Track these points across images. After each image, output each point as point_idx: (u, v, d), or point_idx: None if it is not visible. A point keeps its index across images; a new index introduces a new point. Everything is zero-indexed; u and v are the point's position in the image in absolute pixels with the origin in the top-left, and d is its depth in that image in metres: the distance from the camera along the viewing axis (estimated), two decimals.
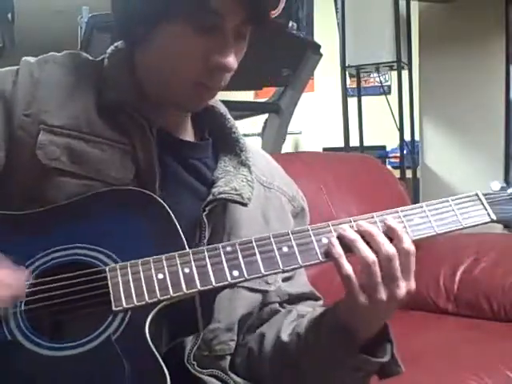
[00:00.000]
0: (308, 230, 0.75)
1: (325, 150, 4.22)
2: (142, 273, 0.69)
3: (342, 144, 3.19)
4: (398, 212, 0.78)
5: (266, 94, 2.94)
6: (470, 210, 0.81)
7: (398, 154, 3.15)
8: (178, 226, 0.73)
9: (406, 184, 2.61)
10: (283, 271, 0.73)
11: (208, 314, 0.79)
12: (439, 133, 2.94)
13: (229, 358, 0.86)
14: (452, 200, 0.81)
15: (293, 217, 0.95)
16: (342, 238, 0.74)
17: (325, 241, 0.74)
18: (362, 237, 0.73)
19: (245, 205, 0.82)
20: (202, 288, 0.70)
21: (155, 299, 0.68)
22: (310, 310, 0.89)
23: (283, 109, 2.50)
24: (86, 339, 0.67)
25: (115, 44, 0.87)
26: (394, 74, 3.15)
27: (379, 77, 3.63)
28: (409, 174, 3.05)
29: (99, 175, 0.78)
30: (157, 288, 0.69)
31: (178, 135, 0.87)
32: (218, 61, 0.77)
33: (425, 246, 2.05)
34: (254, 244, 0.73)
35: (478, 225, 0.81)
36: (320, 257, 0.73)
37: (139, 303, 0.68)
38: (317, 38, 2.69)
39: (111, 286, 0.69)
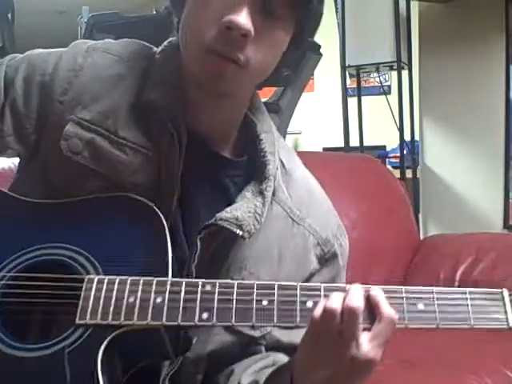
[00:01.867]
0: (296, 289, 0.69)
1: (325, 149, 4.22)
2: (115, 291, 0.68)
3: (342, 144, 3.18)
4: (401, 292, 0.69)
5: (265, 94, 2.94)
6: (486, 310, 0.69)
7: (398, 154, 3.15)
8: (170, 249, 0.70)
9: (406, 184, 2.60)
10: (253, 326, 0.69)
11: (185, 340, 0.75)
12: (439, 133, 2.94)
13: None
14: (470, 293, 0.70)
15: (320, 262, 0.86)
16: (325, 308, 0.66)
17: (309, 305, 0.68)
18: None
19: (242, 237, 0.75)
20: (167, 323, 0.67)
21: (117, 322, 0.67)
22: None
23: (283, 109, 2.50)
24: (43, 344, 0.67)
25: (169, 39, 0.82)
26: (394, 74, 3.14)
27: (379, 77, 3.62)
28: (409, 173, 3.04)
29: (117, 177, 0.76)
30: (123, 311, 0.67)
31: (215, 147, 0.81)
32: (227, 18, 0.69)
33: (425, 247, 2.06)
34: (235, 290, 0.68)
35: (489, 329, 0.69)
36: (297, 320, 0.68)
37: (101, 321, 0.67)
38: (317, 38, 2.69)
39: (82, 299, 0.68)
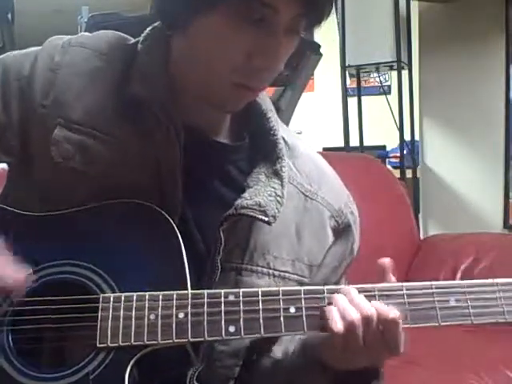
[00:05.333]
0: (323, 292, 0.67)
1: (325, 149, 4.22)
2: (134, 311, 0.65)
3: (342, 144, 3.18)
4: (431, 288, 0.69)
5: None
6: None
7: (398, 154, 3.15)
8: (185, 259, 0.67)
9: (406, 184, 2.60)
10: (283, 335, 0.67)
11: (207, 348, 0.73)
12: (439, 133, 2.93)
13: (232, 382, 0.80)
14: (501, 285, 0.67)
15: (335, 234, 0.85)
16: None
17: None
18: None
19: (268, 223, 0.73)
20: (193, 340, 0.64)
21: (141, 342, 0.64)
22: None
23: (283, 109, 2.50)
24: (64, 373, 0.64)
25: (149, 28, 0.78)
26: (394, 73, 3.14)
27: (379, 77, 3.62)
28: (409, 173, 3.04)
29: (113, 179, 0.72)
30: (145, 331, 0.64)
31: (211, 135, 0.79)
32: (263, 62, 0.69)
33: (425, 247, 2.06)
34: (260, 298, 0.66)
35: None
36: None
37: (124, 343, 0.64)
38: (317, 38, 2.69)
39: (100, 321, 0.65)
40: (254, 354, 0.81)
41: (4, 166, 0.72)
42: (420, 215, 2.91)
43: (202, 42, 0.71)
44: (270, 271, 0.78)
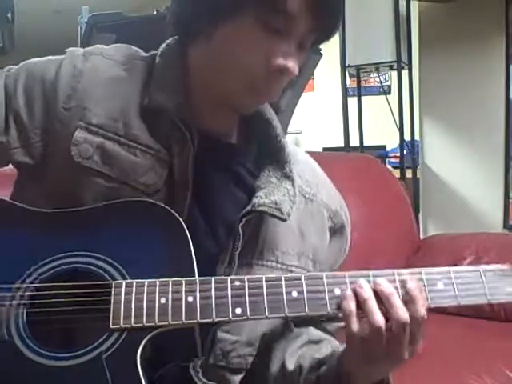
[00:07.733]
0: (322, 278, 0.72)
1: (325, 149, 4.22)
2: (145, 294, 0.69)
3: (342, 144, 3.19)
4: (421, 273, 0.74)
5: None
6: (501, 285, 0.77)
7: (398, 154, 3.15)
8: (192, 249, 0.71)
9: (406, 184, 2.61)
10: (286, 317, 0.71)
11: (210, 340, 0.78)
12: (439, 133, 2.94)
13: (243, 373, 0.84)
14: (484, 271, 0.77)
15: (331, 234, 0.91)
16: (356, 294, 0.70)
17: (337, 292, 0.71)
18: (377, 296, 0.70)
19: (283, 220, 0.79)
20: (202, 320, 0.68)
21: (152, 323, 0.67)
22: (321, 338, 0.87)
23: (283, 109, 2.50)
24: (78, 352, 0.67)
25: (167, 42, 0.84)
26: (394, 73, 3.14)
27: (379, 77, 3.62)
28: (409, 173, 3.05)
29: (128, 179, 0.77)
30: (156, 312, 0.68)
31: (223, 137, 0.84)
32: (281, 63, 0.74)
33: (425, 247, 2.06)
34: (264, 283, 0.70)
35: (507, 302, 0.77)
36: (329, 308, 0.71)
37: (136, 325, 0.67)
38: None
39: (113, 304, 0.68)
40: (268, 353, 0.86)
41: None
42: (420, 215, 2.91)
43: (226, 50, 0.76)
44: (279, 265, 0.83)
